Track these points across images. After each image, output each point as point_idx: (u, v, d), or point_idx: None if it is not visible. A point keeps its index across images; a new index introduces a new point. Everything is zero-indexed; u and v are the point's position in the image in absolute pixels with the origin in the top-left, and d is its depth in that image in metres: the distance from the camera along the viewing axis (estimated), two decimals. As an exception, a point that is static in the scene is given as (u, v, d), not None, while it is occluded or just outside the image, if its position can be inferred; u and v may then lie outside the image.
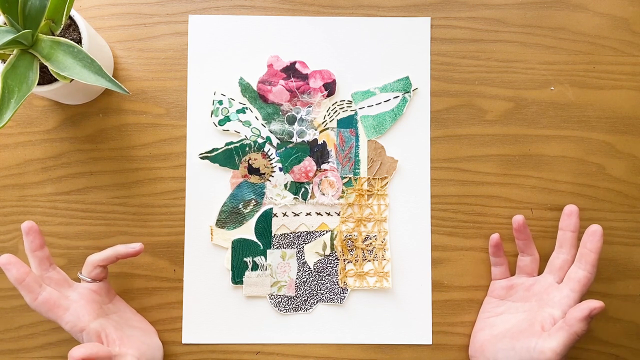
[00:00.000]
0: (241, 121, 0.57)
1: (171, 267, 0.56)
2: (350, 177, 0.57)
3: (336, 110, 0.57)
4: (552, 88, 0.57)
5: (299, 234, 0.57)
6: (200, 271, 0.56)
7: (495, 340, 0.52)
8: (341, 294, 0.56)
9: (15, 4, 0.44)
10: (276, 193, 0.57)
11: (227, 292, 0.56)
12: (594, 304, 0.47)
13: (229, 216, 0.56)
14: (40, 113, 0.57)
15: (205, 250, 0.56)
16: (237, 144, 0.57)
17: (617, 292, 0.57)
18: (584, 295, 0.51)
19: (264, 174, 0.57)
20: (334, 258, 0.56)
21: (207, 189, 0.57)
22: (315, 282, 0.56)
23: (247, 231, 0.56)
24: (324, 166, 0.57)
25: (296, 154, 0.57)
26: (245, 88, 0.57)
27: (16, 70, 0.44)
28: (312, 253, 0.56)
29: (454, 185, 0.57)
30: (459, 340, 0.56)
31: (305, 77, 0.57)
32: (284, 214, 0.57)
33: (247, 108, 0.57)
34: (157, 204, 0.56)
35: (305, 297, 0.56)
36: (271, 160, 0.57)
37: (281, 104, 0.57)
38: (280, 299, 0.56)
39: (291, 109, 0.57)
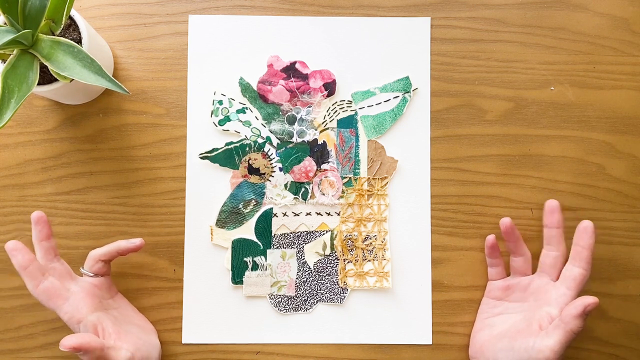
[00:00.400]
0: (241, 121, 0.57)
1: (171, 267, 0.56)
2: (350, 177, 0.57)
3: (336, 110, 0.57)
4: (552, 88, 0.57)
5: (299, 234, 0.57)
6: (200, 271, 0.56)
7: (494, 341, 0.52)
8: (341, 294, 0.56)
9: (15, 4, 0.44)
10: (276, 193, 0.57)
11: (227, 292, 0.56)
12: (588, 300, 0.47)
13: (229, 216, 0.56)
14: (40, 113, 0.57)
15: (205, 250, 0.56)
16: (237, 144, 0.57)
17: (617, 292, 0.57)
18: (580, 293, 0.51)
19: (264, 174, 0.57)
20: (334, 258, 0.56)
21: (207, 189, 0.57)
22: (315, 282, 0.56)
23: (247, 231, 0.56)
24: (324, 166, 0.57)
25: (296, 154, 0.57)
26: (245, 88, 0.57)
27: (16, 70, 0.44)
28: (312, 253, 0.56)
29: (454, 185, 0.57)
30: (459, 340, 0.56)
31: (305, 77, 0.57)
32: (284, 214, 0.57)
33: (247, 108, 0.57)
34: (157, 204, 0.56)
35: (305, 297, 0.56)
36: (271, 160, 0.57)
37: (281, 104, 0.57)
38: (280, 299, 0.56)
39: (291, 109, 0.57)
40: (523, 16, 0.58)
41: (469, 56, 0.57)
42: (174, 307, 0.56)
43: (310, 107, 0.57)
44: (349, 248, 0.57)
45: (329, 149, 0.57)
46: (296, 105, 0.57)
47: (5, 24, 0.46)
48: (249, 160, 0.57)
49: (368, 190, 0.57)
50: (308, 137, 0.57)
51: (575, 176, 0.57)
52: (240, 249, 0.56)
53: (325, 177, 0.57)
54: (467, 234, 0.57)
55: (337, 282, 0.56)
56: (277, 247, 0.56)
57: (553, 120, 0.57)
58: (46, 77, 0.49)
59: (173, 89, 0.57)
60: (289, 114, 0.57)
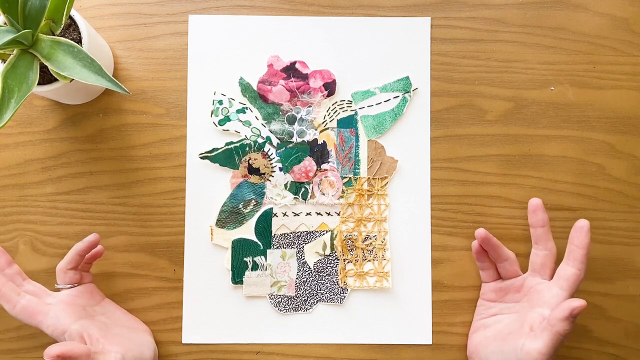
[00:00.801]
0: (241, 121, 0.57)
1: (171, 267, 0.56)
2: (350, 177, 0.57)
3: (336, 110, 0.57)
4: (552, 88, 0.57)
5: (299, 233, 0.57)
6: (200, 271, 0.56)
7: (487, 342, 0.52)
8: (341, 294, 0.56)
9: (15, 4, 0.44)
10: (276, 193, 0.57)
11: (227, 292, 0.56)
12: (575, 303, 0.46)
13: (229, 216, 0.56)
14: (40, 113, 0.57)
15: (205, 250, 0.56)
16: (237, 144, 0.57)
17: (617, 292, 0.57)
18: (575, 293, 0.50)
19: (264, 174, 0.57)
20: (334, 258, 0.56)
21: (207, 189, 0.57)
22: (315, 282, 0.56)
23: (247, 231, 0.56)
24: (324, 166, 0.57)
25: (296, 154, 0.57)
26: (245, 88, 0.57)
27: (16, 70, 0.44)
28: (312, 253, 0.56)
29: (454, 185, 0.57)
30: (459, 340, 0.56)
31: (305, 77, 0.57)
32: (284, 214, 0.57)
33: (247, 108, 0.57)
34: (157, 204, 0.56)
35: (305, 297, 0.56)
36: (271, 160, 0.57)
37: (281, 104, 0.57)
38: (280, 299, 0.56)
39: (291, 109, 0.57)
40: (523, 16, 0.58)
41: (469, 56, 0.57)
42: (174, 307, 0.56)
43: (310, 107, 0.57)
44: (349, 248, 0.57)
45: (329, 149, 0.57)
46: (296, 105, 0.57)
47: (5, 24, 0.46)
48: (249, 160, 0.57)
49: (368, 190, 0.57)
50: (308, 137, 0.57)
51: (575, 176, 0.57)
52: (240, 249, 0.56)
53: (325, 177, 0.57)
54: (467, 234, 0.57)
55: (337, 282, 0.56)
56: (277, 247, 0.56)
57: (553, 120, 0.57)
58: (46, 77, 0.49)
59: (173, 89, 0.57)
60: (289, 114, 0.57)
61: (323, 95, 0.57)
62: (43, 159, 0.57)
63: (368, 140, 0.57)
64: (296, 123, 0.57)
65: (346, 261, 0.56)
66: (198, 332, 0.56)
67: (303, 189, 0.57)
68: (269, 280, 0.56)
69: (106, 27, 0.57)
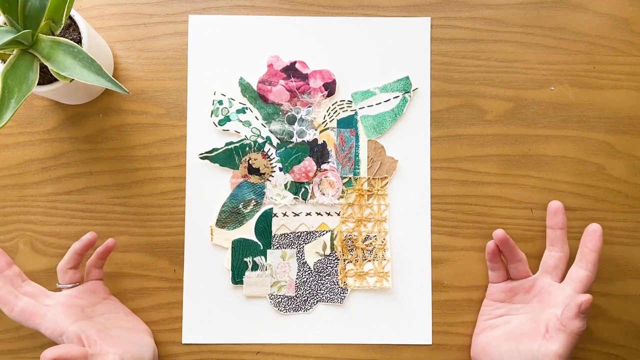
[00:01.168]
0: (241, 121, 0.57)
1: (171, 267, 0.56)
2: (350, 177, 0.57)
3: (336, 110, 0.57)
4: (552, 88, 0.57)
5: (299, 234, 0.57)
6: (200, 271, 0.56)
7: (497, 342, 0.51)
8: (341, 294, 0.56)
9: (15, 4, 0.44)
10: (276, 193, 0.57)
11: (227, 292, 0.56)
12: (580, 298, 0.46)
13: (229, 216, 0.56)
14: (40, 113, 0.57)
15: (205, 250, 0.56)
16: (237, 144, 0.57)
17: (617, 292, 0.57)
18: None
19: (264, 174, 0.57)
20: (334, 258, 0.56)
21: (207, 189, 0.57)
22: (315, 282, 0.56)
23: (247, 231, 0.56)
24: (324, 166, 0.57)
25: (296, 154, 0.57)
26: (245, 88, 0.57)
27: (16, 70, 0.44)
28: (312, 253, 0.56)
29: (454, 185, 0.57)
30: (459, 340, 0.56)
31: (305, 77, 0.57)
32: (284, 214, 0.57)
33: (247, 108, 0.57)
34: (157, 204, 0.56)
35: (305, 297, 0.56)
36: (271, 160, 0.57)
37: (281, 104, 0.57)
38: (280, 299, 0.56)
39: (291, 109, 0.57)
40: (523, 16, 0.58)
41: (469, 56, 0.57)
42: (174, 307, 0.56)
43: (310, 107, 0.57)
44: (349, 248, 0.57)
45: (329, 149, 0.57)
46: (296, 105, 0.57)
47: (5, 24, 0.46)
48: (249, 160, 0.57)
49: (368, 190, 0.57)
50: (308, 137, 0.57)
51: (575, 176, 0.57)
52: (240, 249, 0.56)
53: (325, 177, 0.57)
54: (467, 234, 0.57)
55: (337, 282, 0.56)
56: (277, 247, 0.56)
57: (553, 120, 0.57)
58: (46, 77, 0.49)
59: (173, 89, 0.57)
60: (289, 114, 0.57)
61: (323, 95, 0.57)
62: (43, 159, 0.57)
63: (368, 140, 0.57)
64: (296, 123, 0.57)
65: (346, 261, 0.56)
66: (198, 332, 0.56)
67: (303, 189, 0.57)
68: (269, 280, 0.56)
69: (106, 27, 0.57)
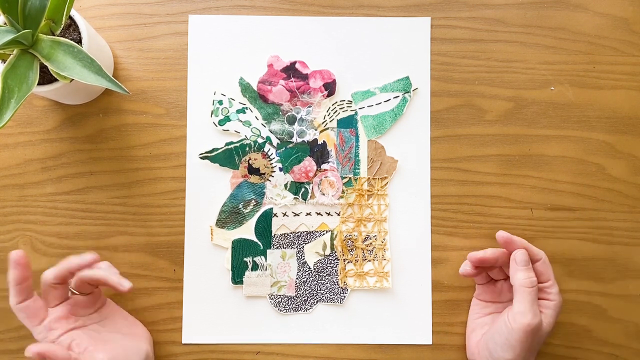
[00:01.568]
0: (241, 121, 0.57)
1: (171, 267, 0.56)
2: (350, 177, 0.57)
3: (336, 110, 0.57)
4: (552, 88, 0.57)
5: (299, 234, 0.57)
6: (200, 271, 0.56)
7: (485, 337, 0.52)
8: (341, 294, 0.56)
9: (15, 4, 0.44)
10: (276, 193, 0.57)
11: (227, 292, 0.56)
12: (514, 253, 0.51)
13: (229, 216, 0.56)
14: (40, 113, 0.57)
15: (205, 250, 0.56)
16: (237, 144, 0.57)
17: (617, 292, 0.57)
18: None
19: (264, 174, 0.57)
20: (334, 258, 0.56)
21: (207, 189, 0.57)
22: (315, 282, 0.56)
23: (247, 231, 0.56)
24: (324, 166, 0.57)
25: (296, 154, 0.57)
26: (245, 88, 0.57)
27: (16, 70, 0.44)
28: (312, 253, 0.56)
29: (454, 185, 0.57)
30: (459, 340, 0.56)
31: (305, 77, 0.57)
32: (284, 214, 0.57)
33: (247, 108, 0.57)
34: (157, 204, 0.56)
35: (305, 297, 0.56)
36: (271, 160, 0.57)
37: (281, 104, 0.57)
38: (280, 299, 0.56)
39: (291, 109, 0.57)
40: (523, 16, 0.58)
41: (469, 56, 0.57)
42: (174, 307, 0.56)
43: (310, 107, 0.57)
44: (349, 248, 0.57)
45: (329, 149, 0.57)
46: (296, 105, 0.57)
47: (5, 24, 0.46)
48: (249, 160, 0.57)
49: (368, 190, 0.57)
50: (308, 137, 0.57)
51: (575, 176, 0.57)
52: (240, 249, 0.56)
53: (325, 177, 0.57)
54: (467, 234, 0.57)
55: (337, 282, 0.56)
56: (277, 247, 0.56)
57: (553, 120, 0.57)
58: (46, 77, 0.49)
59: (173, 89, 0.57)
60: (289, 114, 0.57)
61: (323, 95, 0.57)
62: (43, 159, 0.57)
63: (368, 140, 0.57)
64: (296, 123, 0.57)
65: (346, 261, 0.56)
66: (198, 332, 0.56)
67: (303, 189, 0.57)
68: (269, 280, 0.56)
69: (106, 27, 0.57)
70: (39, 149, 0.57)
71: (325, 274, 0.56)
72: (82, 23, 0.49)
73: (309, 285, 0.56)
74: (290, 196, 0.57)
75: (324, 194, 0.57)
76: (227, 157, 0.57)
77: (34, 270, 0.56)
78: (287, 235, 0.56)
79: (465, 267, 0.52)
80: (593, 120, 0.57)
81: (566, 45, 0.58)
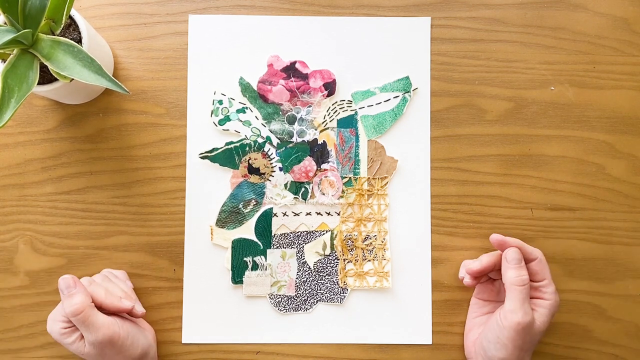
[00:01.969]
0: (241, 121, 0.57)
1: (171, 267, 0.56)
2: (350, 177, 0.57)
3: (336, 110, 0.57)
4: (552, 88, 0.57)
5: (299, 233, 0.57)
6: (200, 271, 0.56)
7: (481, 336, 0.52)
8: (341, 294, 0.56)
9: (15, 3, 0.44)
10: (276, 193, 0.57)
11: (227, 292, 0.56)
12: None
13: (229, 216, 0.56)
14: (40, 113, 0.57)
15: (205, 250, 0.56)
16: (237, 144, 0.57)
17: (617, 292, 0.57)
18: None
19: (264, 173, 0.57)
20: (334, 258, 0.56)
21: (207, 189, 0.57)
22: (315, 282, 0.56)
23: (247, 231, 0.56)
24: (324, 166, 0.57)
25: (296, 153, 0.57)
26: (245, 88, 0.57)
27: (16, 70, 0.44)
28: (312, 253, 0.56)
29: (454, 185, 0.57)
30: (459, 340, 0.56)
31: (305, 77, 0.57)
32: (284, 214, 0.57)
33: (247, 108, 0.57)
34: (157, 204, 0.56)
35: (305, 297, 0.56)
36: (271, 160, 0.57)
37: (281, 104, 0.57)
38: (280, 299, 0.56)
39: (291, 109, 0.57)
40: (523, 16, 0.58)
41: (469, 56, 0.57)
42: (174, 307, 0.56)
43: (310, 107, 0.57)
44: (349, 248, 0.56)
45: (329, 149, 0.57)
46: (296, 105, 0.57)
47: (5, 23, 0.46)
48: (249, 160, 0.57)
49: (368, 190, 0.57)
50: (308, 137, 0.57)
51: (575, 176, 0.57)
52: (240, 248, 0.56)
53: (325, 177, 0.57)
54: (467, 234, 0.57)
55: (337, 282, 0.56)
56: (277, 247, 0.56)
57: (553, 120, 0.57)
58: (46, 77, 0.49)
59: (173, 88, 0.57)
60: (289, 113, 0.57)
61: (323, 95, 0.57)
62: (43, 159, 0.56)
63: (368, 140, 0.57)
64: (296, 123, 0.57)
65: (346, 261, 0.56)
66: (198, 332, 0.56)
67: (303, 189, 0.57)
68: (269, 280, 0.56)
69: (106, 27, 0.57)
70: (39, 149, 0.57)
71: (325, 274, 0.56)
72: (82, 23, 0.49)
73: (309, 285, 0.56)
74: (290, 196, 0.57)
75: (324, 194, 0.57)
76: (227, 157, 0.57)
77: (33, 270, 0.56)
78: (287, 235, 0.56)
79: (466, 280, 0.53)
80: (593, 120, 0.57)
81: (566, 45, 0.58)
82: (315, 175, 0.57)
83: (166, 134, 0.57)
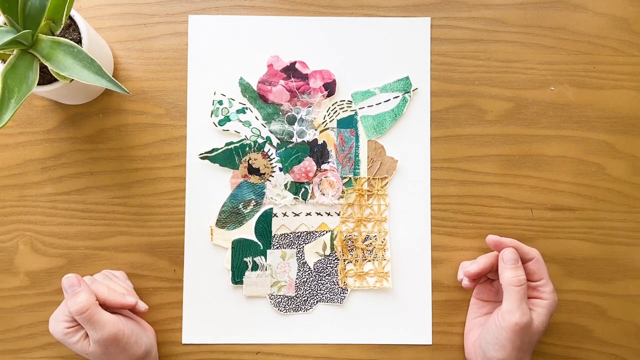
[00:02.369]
0: (241, 121, 0.57)
1: (171, 267, 0.56)
2: (350, 177, 0.57)
3: (336, 110, 0.57)
4: (552, 88, 0.57)
5: (299, 234, 0.57)
6: (200, 271, 0.56)
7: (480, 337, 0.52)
8: (341, 294, 0.56)
9: (15, 4, 0.44)
10: (276, 193, 0.57)
11: (227, 292, 0.56)
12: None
13: (229, 216, 0.56)
14: (40, 113, 0.57)
15: (205, 250, 0.56)
16: (237, 144, 0.57)
17: (617, 292, 0.57)
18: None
19: (264, 174, 0.57)
20: (334, 258, 0.56)
21: (207, 189, 0.57)
22: (315, 282, 0.56)
23: (247, 231, 0.56)
24: (324, 166, 0.57)
25: (296, 154, 0.57)
26: (245, 88, 0.57)
27: (16, 70, 0.44)
28: (312, 253, 0.56)
29: (454, 185, 0.57)
30: (459, 340, 0.56)
31: (305, 77, 0.57)
32: (284, 214, 0.57)
33: (247, 108, 0.57)
34: (157, 204, 0.56)
35: (305, 297, 0.56)
36: (271, 160, 0.57)
37: (281, 104, 0.57)
38: (280, 299, 0.56)
39: (291, 109, 0.57)
40: (523, 16, 0.58)
41: (469, 56, 0.57)
42: (174, 307, 0.56)
43: (310, 107, 0.57)
44: (349, 248, 0.57)
45: (329, 149, 0.57)
46: (296, 105, 0.57)
47: (5, 24, 0.46)
48: (249, 160, 0.57)
49: (368, 191, 0.57)
50: (308, 137, 0.57)
51: (575, 176, 0.57)
52: (240, 249, 0.56)
53: (325, 177, 0.57)
54: (467, 234, 0.57)
55: (337, 282, 0.56)
56: (277, 247, 0.56)
57: (553, 120, 0.57)
58: (46, 77, 0.49)
59: (173, 89, 0.57)
60: (289, 114, 0.57)
61: (323, 95, 0.57)
62: (43, 159, 0.56)
63: (368, 141, 0.57)
64: (296, 123, 0.57)
65: (346, 261, 0.56)
66: (198, 332, 0.56)
67: (303, 189, 0.57)
68: (269, 280, 0.56)
69: (106, 27, 0.57)
70: (39, 149, 0.57)
71: (325, 274, 0.56)
72: (82, 23, 0.49)
73: (309, 286, 0.56)
74: (290, 196, 0.57)
75: (324, 194, 0.57)
76: (227, 157, 0.57)
77: (33, 270, 0.56)
78: (287, 235, 0.56)
79: (465, 283, 0.53)
80: (593, 120, 0.57)
81: (566, 45, 0.58)
82: (315, 175, 0.57)
83: (166, 134, 0.57)
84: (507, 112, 0.57)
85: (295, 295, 0.56)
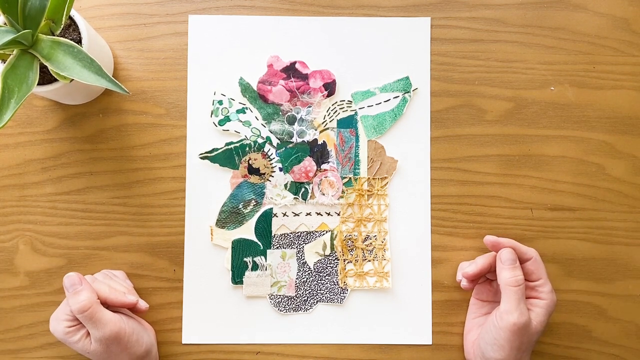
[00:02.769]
0: (241, 121, 0.57)
1: (171, 267, 0.56)
2: (350, 177, 0.57)
3: (336, 110, 0.57)
4: (552, 88, 0.57)
5: (299, 234, 0.57)
6: (200, 271, 0.56)
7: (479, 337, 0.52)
8: (341, 294, 0.56)
9: (15, 4, 0.44)
10: (276, 193, 0.57)
11: (227, 292, 0.56)
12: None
13: (229, 216, 0.56)
14: (40, 113, 0.57)
15: (205, 250, 0.56)
16: (237, 144, 0.57)
17: (617, 292, 0.57)
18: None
19: (264, 174, 0.57)
20: (334, 258, 0.56)
21: (207, 189, 0.57)
22: (315, 282, 0.56)
23: (247, 231, 0.56)
24: (324, 166, 0.57)
25: (296, 154, 0.57)
26: (245, 88, 0.57)
27: (16, 70, 0.44)
28: (312, 253, 0.56)
29: (454, 185, 0.57)
30: (459, 340, 0.56)
31: (305, 77, 0.57)
32: (284, 214, 0.57)
33: (247, 108, 0.57)
34: (157, 204, 0.56)
35: (305, 297, 0.56)
36: (271, 160, 0.57)
37: (281, 104, 0.57)
38: (280, 299, 0.56)
39: (291, 109, 0.57)
40: (523, 16, 0.58)
41: (469, 56, 0.57)
42: (174, 307, 0.56)
43: (310, 107, 0.57)
44: (349, 248, 0.57)
45: (329, 149, 0.57)
46: (296, 105, 0.57)
47: (5, 24, 0.46)
48: (249, 160, 0.57)
49: (368, 190, 0.57)
50: (308, 137, 0.57)
51: (575, 176, 0.57)
52: (240, 249, 0.56)
53: (325, 177, 0.57)
54: (467, 234, 0.57)
55: (337, 282, 0.56)
56: (277, 247, 0.56)
57: (553, 120, 0.57)
58: (46, 77, 0.49)
59: (173, 89, 0.57)
60: (289, 114, 0.57)
61: (323, 95, 0.57)
62: (43, 159, 0.56)
63: (368, 141, 0.57)
64: (296, 123, 0.57)
65: (346, 261, 0.56)
66: (198, 332, 0.56)
67: (303, 189, 0.57)
68: (269, 280, 0.56)
69: (106, 27, 0.57)
70: (39, 149, 0.57)
71: (325, 274, 0.56)
72: (82, 23, 0.49)
73: (309, 285, 0.56)
74: (290, 196, 0.57)
75: (324, 194, 0.57)
76: (227, 157, 0.57)
77: (33, 270, 0.56)
78: (287, 235, 0.56)
79: (464, 284, 0.53)
80: (593, 120, 0.57)
81: (566, 45, 0.58)
82: (315, 175, 0.57)
83: (166, 134, 0.57)
84: (507, 112, 0.57)
85: (295, 295, 0.56)
